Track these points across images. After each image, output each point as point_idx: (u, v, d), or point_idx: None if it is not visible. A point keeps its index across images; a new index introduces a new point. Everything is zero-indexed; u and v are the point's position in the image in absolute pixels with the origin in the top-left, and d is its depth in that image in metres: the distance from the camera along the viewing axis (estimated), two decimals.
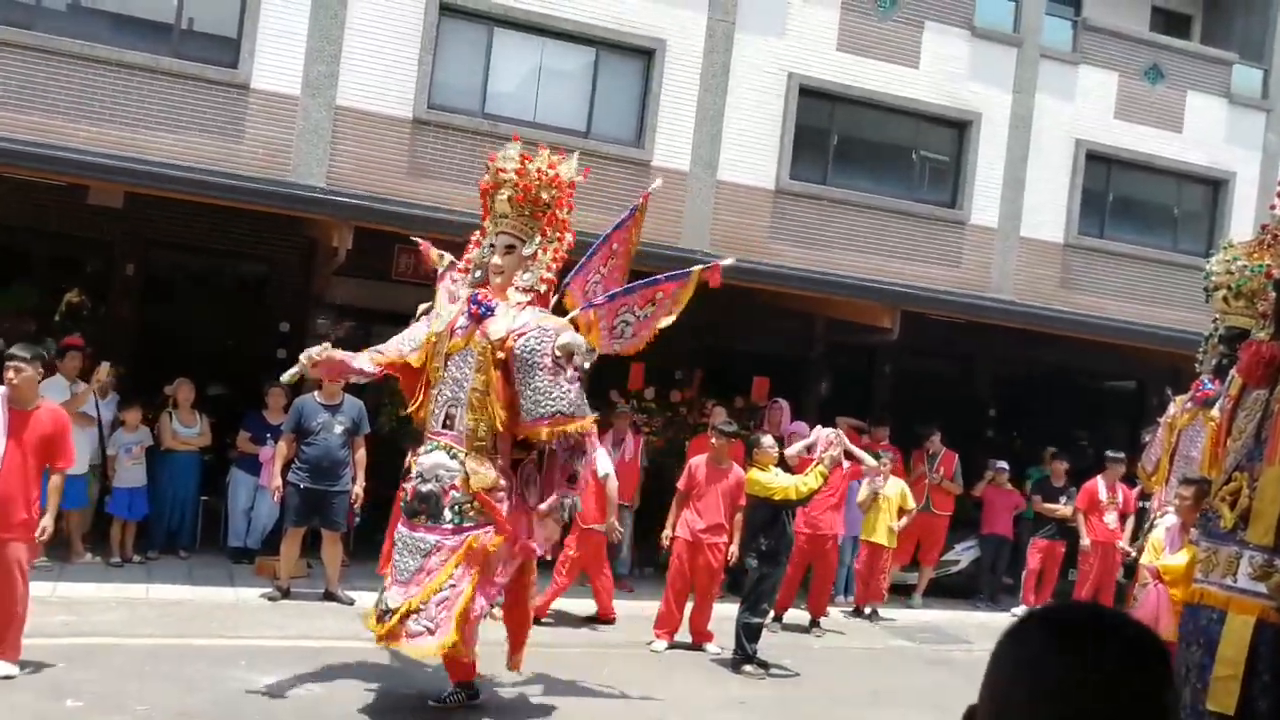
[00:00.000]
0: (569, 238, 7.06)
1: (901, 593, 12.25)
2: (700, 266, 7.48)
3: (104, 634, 7.81)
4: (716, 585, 9.40)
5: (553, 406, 6.47)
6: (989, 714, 1.34)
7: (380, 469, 10.99)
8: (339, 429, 9.28)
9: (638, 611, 9.94)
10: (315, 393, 9.39)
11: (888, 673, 9.40)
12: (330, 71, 11.95)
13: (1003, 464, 12.68)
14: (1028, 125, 15.39)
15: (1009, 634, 1.38)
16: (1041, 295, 15.15)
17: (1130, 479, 11.40)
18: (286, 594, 9.26)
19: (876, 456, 11.08)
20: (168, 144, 11.30)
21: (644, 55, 13.44)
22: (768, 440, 9.13)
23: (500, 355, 6.56)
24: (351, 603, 9.22)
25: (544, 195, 6.87)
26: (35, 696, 6.23)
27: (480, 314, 6.69)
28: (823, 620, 10.60)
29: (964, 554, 12.86)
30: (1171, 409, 8.67)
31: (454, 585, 6.45)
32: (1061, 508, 12.19)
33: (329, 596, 9.34)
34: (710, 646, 9.18)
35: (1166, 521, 7.58)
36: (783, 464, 9.21)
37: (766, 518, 8.81)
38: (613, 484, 9.35)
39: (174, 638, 7.93)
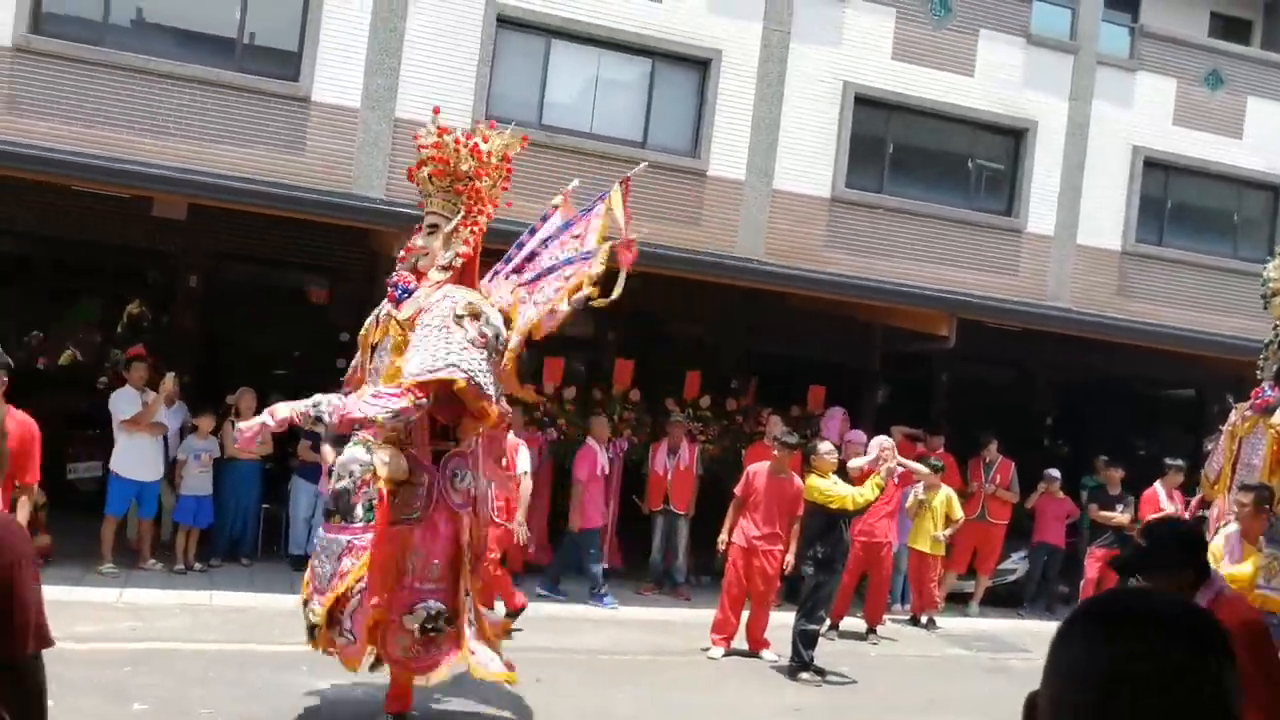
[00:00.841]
0: (490, 210, 6.56)
1: (959, 601, 12.14)
2: (610, 242, 6.88)
3: (168, 639, 7.91)
4: (773, 592, 9.37)
5: (427, 361, 5.78)
6: (1049, 710, 1.32)
7: None
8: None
9: (694, 619, 9.94)
10: None
11: (943, 681, 9.33)
12: (390, 84, 12.10)
13: (1054, 472, 12.53)
14: (1084, 132, 15.23)
15: (1062, 629, 1.35)
16: (1098, 303, 14.98)
17: (1189, 487, 11.22)
18: None
19: (936, 467, 11.03)
20: (231, 156, 11.49)
21: (700, 66, 13.48)
22: (825, 446, 9.10)
23: (409, 336, 6.12)
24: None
25: (462, 167, 6.40)
26: (102, 700, 6.32)
27: (397, 297, 6.32)
28: (879, 628, 10.53)
29: (1020, 563, 12.72)
30: (1233, 416, 8.54)
31: (363, 591, 6.03)
32: (1119, 516, 12.01)
33: None
34: (767, 654, 9.15)
35: (1227, 530, 7.47)
36: (840, 471, 9.18)
37: (823, 525, 8.79)
38: (526, 484, 9.04)
39: (236, 643, 8.02)
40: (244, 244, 12.21)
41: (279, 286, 13.54)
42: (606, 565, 11.43)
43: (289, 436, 10.81)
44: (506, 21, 12.67)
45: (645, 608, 10.47)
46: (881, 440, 10.24)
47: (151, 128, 11.45)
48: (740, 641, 9.23)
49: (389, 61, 12.11)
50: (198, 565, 9.98)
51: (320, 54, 11.98)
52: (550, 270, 6.78)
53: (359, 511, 6.08)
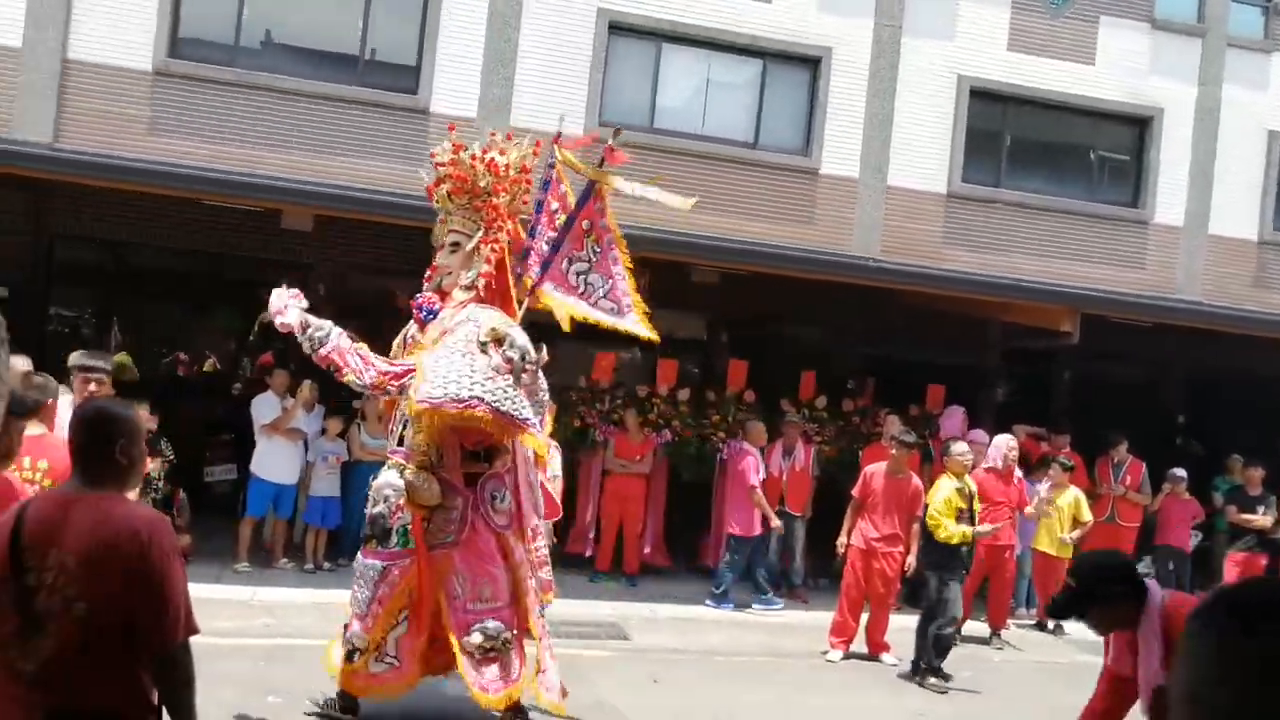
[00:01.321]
0: (510, 226, 6.44)
1: None
2: (592, 167, 6.74)
3: (300, 635, 8.18)
4: (892, 595, 9.27)
5: (449, 389, 5.58)
6: (1185, 705, 1.28)
7: None
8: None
9: (812, 621, 9.89)
10: None
11: (1069, 688, 8.99)
12: (504, 95, 12.34)
13: (1179, 471, 12.07)
14: (1215, 118, 14.65)
15: (1195, 624, 1.30)
16: (1231, 295, 14.38)
17: None
18: None
19: (1067, 466, 10.78)
20: (354, 168, 11.86)
21: (811, 64, 13.40)
22: (960, 447, 8.90)
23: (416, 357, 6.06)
24: None
25: (481, 183, 6.32)
26: (239, 691, 6.58)
27: (423, 319, 6.30)
28: (1002, 632, 10.32)
29: (1148, 568, 12.29)
30: None
31: (409, 618, 6.05)
32: (1260, 518, 11.51)
33: None
34: (887, 657, 9.06)
35: None
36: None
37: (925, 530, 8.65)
38: (557, 487, 9.03)
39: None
40: (368, 253, 12.59)
41: (402, 293, 13.86)
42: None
43: None
44: (618, 28, 12.80)
45: (762, 609, 10.44)
46: (1005, 439, 10.06)
47: (279, 143, 11.89)
48: (859, 645, 9.15)
49: (504, 72, 12.36)
50: (327, 564, 10.32)
51: (438, 67, 12.29)
52: (555, 248, 6.58)
53: (394, 537, 6.05)
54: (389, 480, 6.04)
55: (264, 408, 10.05)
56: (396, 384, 6.08)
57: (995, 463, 9.84)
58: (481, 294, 6.32)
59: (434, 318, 6.24)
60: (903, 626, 9.60)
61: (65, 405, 6.40)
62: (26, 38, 11.36)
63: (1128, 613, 3.57)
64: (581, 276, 6.59)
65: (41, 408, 5.69)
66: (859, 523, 9.13)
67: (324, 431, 10.41)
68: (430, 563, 5.98)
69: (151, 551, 2.93)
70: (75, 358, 6.83)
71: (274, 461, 9.95)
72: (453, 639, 5.97)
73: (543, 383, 6.33)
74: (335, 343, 6.13)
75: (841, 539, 9.26)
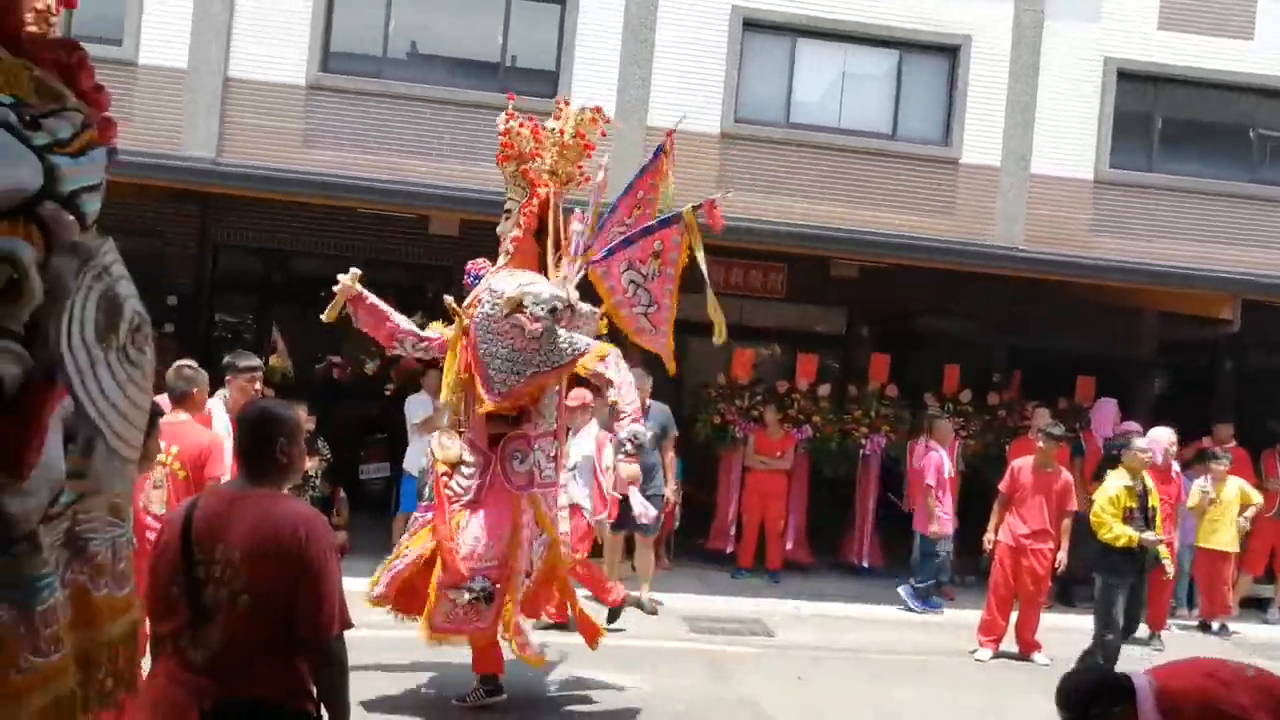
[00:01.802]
0: (543, 192, 6.58)
1: (1256, 607, 11.30)
2: (691, 205, 6.71)
3: None
4: (1043, 593, 9.05)
5: (525, 370, 6.14)
6: None
7: (696, 472, 11.40)
8: (650, 434, 9.39)
9: (960, 619, 9.74)
10: None
11: None
12: (642, 95, 12.48)
13: None
14: None
15: None
16: None
17: None
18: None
19: (1216, 458, 10.35)
20: (498, 173, 12.10)
21: (949, 53, 13.16)
22: (1142, 443, 8.55)
23: (465, 322, 6.33)
24: (654, 612, 9.37)
25: (525, 149, 6.55)
26: (389, 681, 6.80)
27: (470, 284, 6.55)
28: (1162, 633, 9.96)
29: None
30: None
31: (406, 556, 6.40)
32: None
33: (638, 605, 9.34)
34: (1039, 657, 8.85)
35: None
36: (1113, 465, 8.73)
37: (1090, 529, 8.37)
38: (608, 480, 8.78)
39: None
40: None
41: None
42: (867, 564, 11.38)
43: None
44: (752, 24, 12.80)
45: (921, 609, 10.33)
46: (1164, 433, 9.71)
47: (426, 150, 12.28)
48: (1009, 644, 8.96)
49: (640, 73, 12.50)
50: None
51: (576, 70, 12.50)
52: (627, 242, 6.61)
53: (427, 491, 6.46)
54: (430, 441, 6.52)
55: (416, 407, 10.40)
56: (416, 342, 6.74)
57: (1154, 458, 9.49)
58: (516, 257, 6.54)
59: (479, 282, 6.49)
60: (1054, 625, 9.41)
61: (219, 405, 6.89)
62: (191, 60, 12.00)
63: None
64: (634, 285, 6.63)
65: (188, 397, 6.21)
66: (1007, 519, 8.94)
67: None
68: (448, 517, 6.24)
69: (310, 547, 3.09)
70: (229, 359, 7.30)
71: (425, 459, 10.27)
72: (432, 586, 6.17)
73: (583, 309, 6.52)
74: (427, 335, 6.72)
75: (989, 535, 9.09)
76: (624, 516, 9.39)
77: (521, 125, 6.58)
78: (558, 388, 6.58)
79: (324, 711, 3.22)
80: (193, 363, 6.39)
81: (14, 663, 1.67)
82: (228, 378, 7.11)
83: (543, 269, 6.59)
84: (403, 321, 6.84)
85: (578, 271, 6.60)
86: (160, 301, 12.32)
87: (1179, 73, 13.49)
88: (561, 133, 6.57)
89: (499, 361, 6.16)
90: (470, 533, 6.20)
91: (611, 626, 8.00)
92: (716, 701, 7.20)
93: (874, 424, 11.21)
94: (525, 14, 12.71)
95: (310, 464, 8.06)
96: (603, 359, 6.20)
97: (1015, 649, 8.94)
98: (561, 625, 7.52)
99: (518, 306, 6.08)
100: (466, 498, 6.28)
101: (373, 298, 6.77)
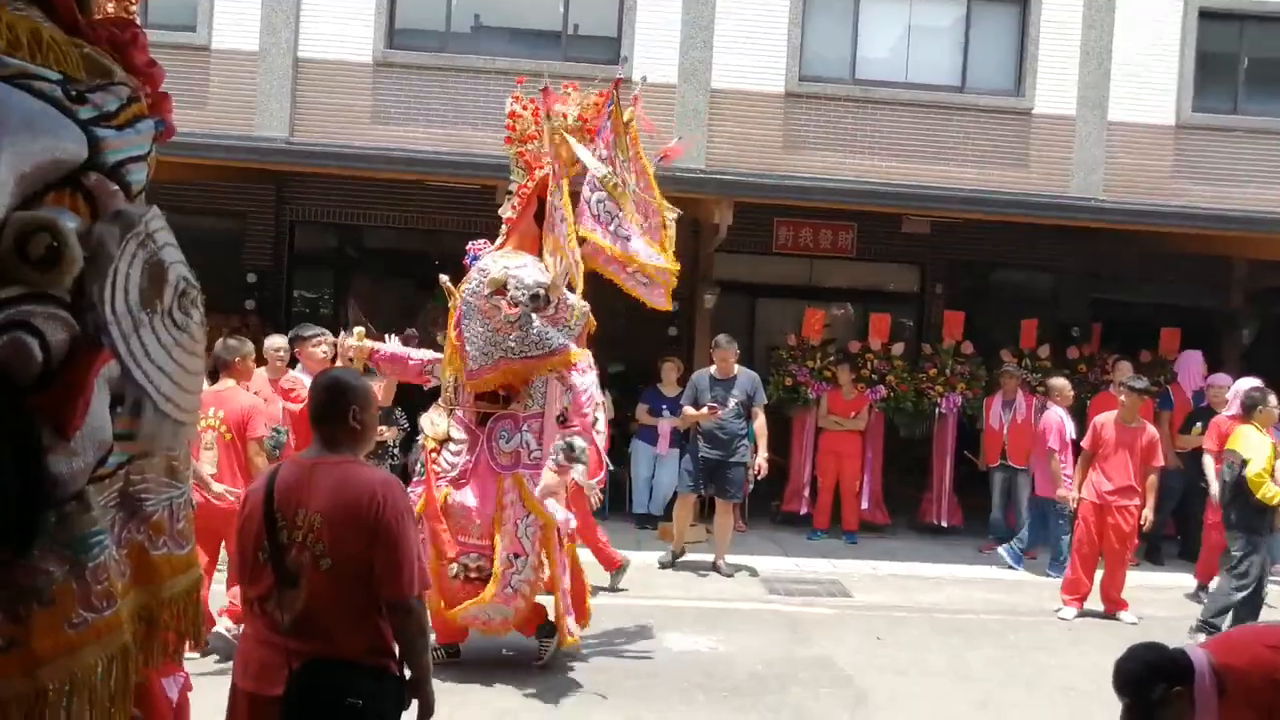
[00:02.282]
0: (550, 171, 6.45)
1: None
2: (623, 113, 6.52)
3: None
4: (1129, 550, 8.86)
5: (481, 361, 6.16)
6: None
7: (768, 434, 11.33)
8: (733, 402, 9.39)
9: (1041, 578, 9.60)
10: (710, 368, 9.65)
11: None
12: (704, 57, 12.38)
13: None
14: None
15: None
16: None
17: None
18: (678, 558, 9.56)
19: None
20: None
21: (1019, 0, 12.82)
22: (1273, 399, 8.19)
23: (456, 300, 6.35)
24: (731, 575, 9.41)
25: (526, 130, 6.58)
26: (475, 645, 6.87)
27: (469, 264, 6.53)
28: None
29: None
30: None
31: None
32: None
33: (714, 568, 9.49)
34: (1125, 615, 8.68)
35: None
36: (1202, 418, 8.50)
37: (1235, 487, 8.01)
38: (600, 442, 8.73)
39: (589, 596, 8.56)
40: None
41: None
42: (945, 523, 11.26)
43: (629, 402, 11.42)
44: None
45: (987, 566, 10.20)
46: (1251, 383, 9.40)
47: (493, 121, 12.28)
48: (1094, 602, 8.81)
49: (701, 35, 12.38)
50: None
51: (638, 34, 12.43)
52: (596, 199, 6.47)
53: (418, 467, 6.49)
54: (424, 418, 6.60)
55: None
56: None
57: (1238, 409, 9.21)
58: (510, 238, 6.55)
59: (476, 263, 6.49)
60: (1142, 584, 9.24)
61: (301, 376, 7.21)
62: (262, 42, 12.20)
63: (1186, 705, 3.18)
64: (602, 204, 6.47)
65: (231, 365, 6.57)
66: (1090, 475, 8.75)
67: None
68: (433, 494, 6.30)
69: (386, 510, 3.19)
70: (294, 332, 7.61)
71: None
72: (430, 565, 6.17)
73: (572, 301, 6.41)
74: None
75: (1071, 493, 8.92)
76: (714, 477, 9.44)
77: (525, 107, 6.61)
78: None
79: (406, 669, 3.30)
80: (238, 336, 6.93)
81: (67, 616, 1.74)
82: (297, 349, 7.43)
83: (542, 253, 6.56)
84: (425, 354, 6.93)
85: (574, 250, 6.46)
86: (241, 279, 12.61)
87: (1267, 9, 12.98)
88: (564, 116, 6.48)
89: (476, 340, 6.19)
90: (456, 509, 6.30)
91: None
92: (794, 661, 7.20)
93: (949, 382, 11.05)
94: None
95: (389, 434, 8.22)
96: (573, 365, 6.18)
97: (1101, 608, 8.78)
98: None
99: (500, 288, 6.09)
100: (452, 474, 6.33)
101: (386, 346, 6.81)
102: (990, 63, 12.94)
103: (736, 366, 9.53)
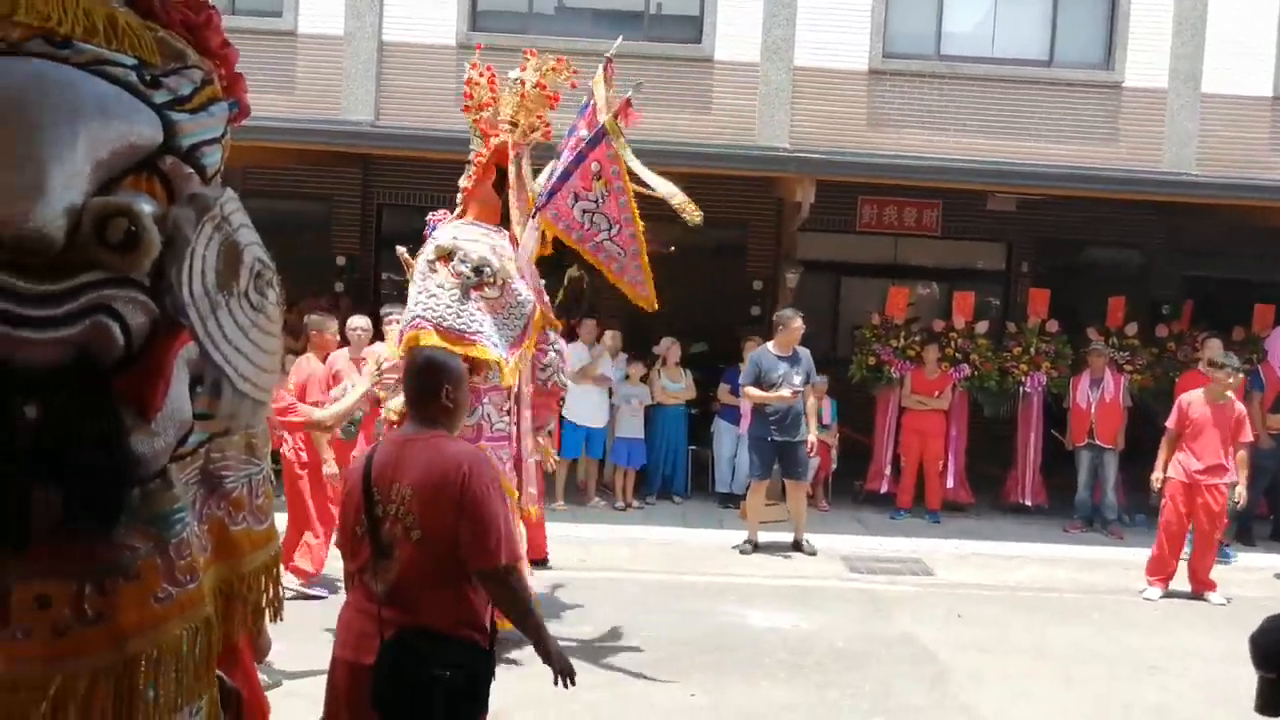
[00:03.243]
0: (495, 141, 6.47)
1: None
2: (611, 115, 6.38)
3: (612, 569, 8.69)
4: (1219, 530, 8.72)
5: (406, 317, 6.13)
6: None
7: (851, 413, 11.36)
8: (797, 379, 9.28)
9: (1126, 557, 9.49)
10: (770, 344, 9.53)
11: None
12: (787, 35, 12.32)
13: None
14: None
15: None
16: None
17: None
18: (756, 547, 9.45)
19: None
20: (647, 123, 12.00)
21: None
22: None
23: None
24: (814, 553, 9.44)
25: (482, 98, 6.54)
26: (559, 624, 7.04)
27: (428, 234, 6.52)
28: None
29: None
30: None
31: None
32: None
33: (795, 546, 9.52)
34: (1213, 596, 8.55)
35: None
36: None
37: None
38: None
39: (671, 574, 8.67)
40: (660, 204, 12.94)
41: (693, 241, 14.16)
42: (1031, 503, 11.16)
43: (710, 381, 11.48)
44: None
45: (1072, 545, 10.11)
46: None
47: (575, 104, 12.33)
48: (1180, 583, 8.68)
49: (784, 12, 12.32)
50: (635, 503, 10.87)
51: (720, 12, 12.42)
52: (565, 176, 6.36)
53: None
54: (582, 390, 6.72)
55: (573, 356, 10.66)
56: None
57: None
58: (466, 208, 6.52)
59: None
60: (1231, 564, 9.07)
61: (381, 347, 7.57)
62: (347, 26, 12.44)
63: None
64: (587, 214, 6.42)
65: (307, 336, 7.22)
66: (1178, 455, 8.62)
67: (627, 377, 10.93)
68: None
69: (472, 483, 3.28)
70: (383, 310, 8.15)
71: (584, 406, 10.52)
72: None
73: (519, 295, 6.25)
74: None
75: (1157, 474, 8.79)
76: (781, 459, 9.45)
77: (481, 75, 6.59)
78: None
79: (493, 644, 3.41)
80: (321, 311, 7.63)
81: (153, 590, 1.81)
82: (384, 327, 7.80)
83: (505, 221, 6.54)
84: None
85: (535, 230, 6.48)
86: (331, 262, 12.93)
87: None
88: (522, 83, 6.49)
89: (415, 306, 6.15)
90: None
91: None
92: (875, 638, 7.24)
93: (1034, 361, 10.92)
94: None
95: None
96: (483, 364, 6.05)
97: (1187, 588, 8.66)
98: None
99: (446, 255, 6.06)
100: None
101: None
102: (1079, 36, 12.68)
103: (796, 345, 9.39)
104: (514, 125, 6.54)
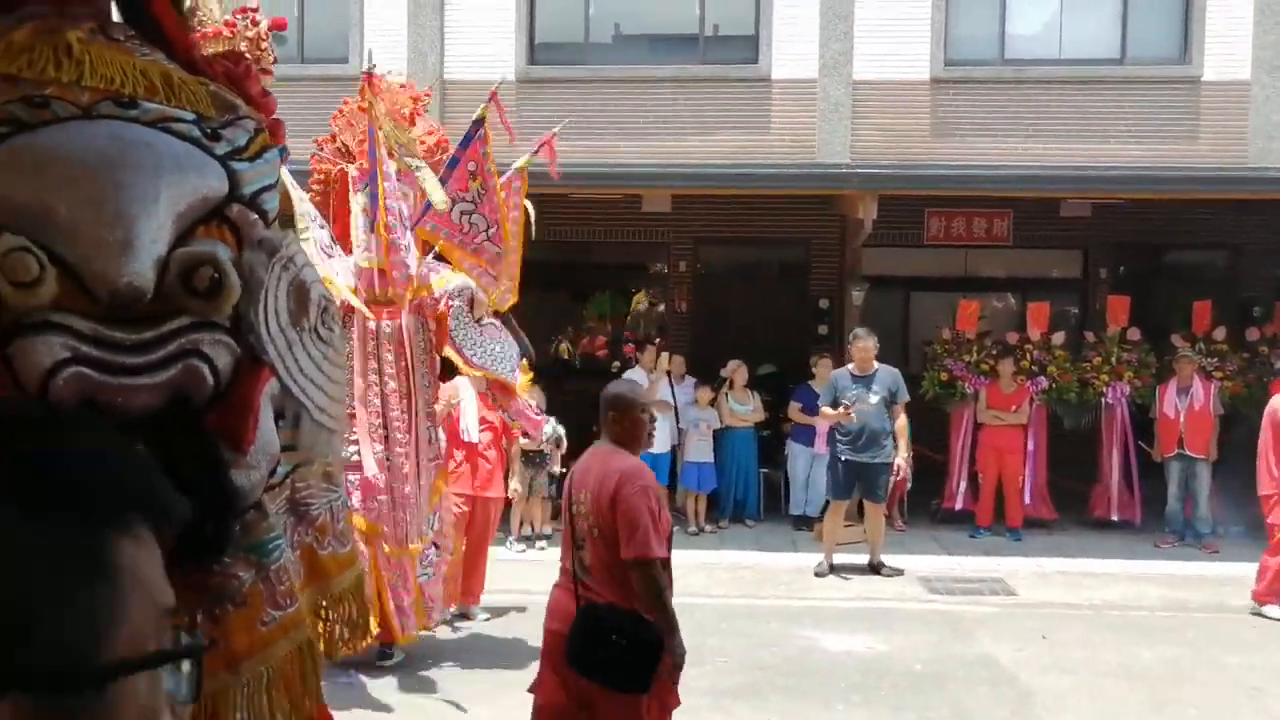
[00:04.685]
0: (352, 166, 6.50)
1: None
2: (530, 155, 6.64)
3: (686, 594, 8.52)
4: None
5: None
6: None
7: (925, 430, 11.07)
8: (874, 399, 9.07)
9: (1222, 573, 9.07)
10: (849, 365, 9.36)
11: None
12: (844, 49, 12.16)
13: None
14: None
15: None
16: None
17: None
18: (832, 568, 9.23)
19: None
20: (703, 147, 12.16)
21: None
22: None
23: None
24: (900, 572, 9.21)
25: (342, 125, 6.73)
26: None
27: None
28: None
29: None
30: None
31: None
32: None
33: (873, 568, 9.27)
34: None
35: None
36: None
37: None
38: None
39: (745, 598, 8.53)
40: (725, 226, 12.92)
41: (756, 262, 14.05)
42: (1117, 517, 10.74)
43: (781, 402, 11.31)
44: None
45: (1164, 561, 9.68)
46: None
47: (634, 130, 12.42)
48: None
49: (841, 26, 12.16)
50: (707, 526, 10.72)
51: (775, 29, 12.30)
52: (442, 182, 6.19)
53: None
54: None
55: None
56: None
57: None
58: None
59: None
60: None
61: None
62: (410, 67, 12.58)
63: None
64: (465, 216, 6.38)
65: None
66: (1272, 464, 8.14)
67: (695, 401, 10.80)
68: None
69: (622, 489, 3.99)
70: None
71: None
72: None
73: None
74: None
75: (1265, 488, 8.23)
76: (860, 480, 9.23)
77: (346, 104, 6.82)
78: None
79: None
80: None
81: (259, 615, 1.91)
82: None
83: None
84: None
85: (408, 245, 6.34)
86: None
87: None
88: (360, 109, 6.53)
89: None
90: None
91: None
92: (954, 660, 7.01)
93: (1115, 370, 10.53)
94: None
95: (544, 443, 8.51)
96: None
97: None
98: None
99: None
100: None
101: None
102: (1152, 30, 12.28)
103: (876, 362, 9.21)
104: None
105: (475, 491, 7.74)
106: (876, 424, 9.09)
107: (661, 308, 13.72)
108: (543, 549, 9.66)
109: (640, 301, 14.06)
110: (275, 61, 4.24)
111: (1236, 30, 11.98)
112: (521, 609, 7.73)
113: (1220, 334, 10.75)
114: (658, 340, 12.01)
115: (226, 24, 3.97)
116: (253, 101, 2.10)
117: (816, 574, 9.19)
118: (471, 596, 7.80)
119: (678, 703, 4.21)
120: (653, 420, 4.39)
